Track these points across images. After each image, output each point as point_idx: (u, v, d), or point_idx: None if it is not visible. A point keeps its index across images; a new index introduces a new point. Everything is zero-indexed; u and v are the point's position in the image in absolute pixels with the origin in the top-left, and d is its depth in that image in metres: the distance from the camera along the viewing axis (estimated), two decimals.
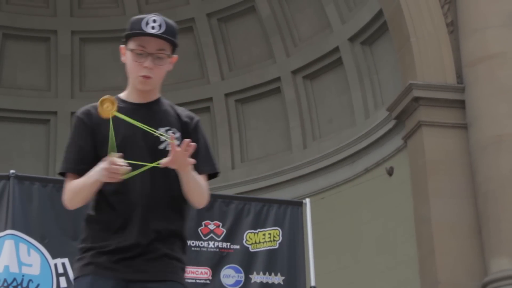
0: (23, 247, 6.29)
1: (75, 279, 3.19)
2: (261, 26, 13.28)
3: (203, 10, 13.61)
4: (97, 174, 3.05)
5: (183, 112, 3.34)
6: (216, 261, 7.03)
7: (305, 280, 7.27)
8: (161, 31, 3.17)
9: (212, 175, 3.31)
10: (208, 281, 6.92)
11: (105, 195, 3.16)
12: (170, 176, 3.14)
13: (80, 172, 3.16)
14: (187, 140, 3.02)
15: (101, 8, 14.00)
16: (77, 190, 3.15)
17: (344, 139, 11.97)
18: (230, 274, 7.03)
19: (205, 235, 7.08)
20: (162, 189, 3.15)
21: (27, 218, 6.43)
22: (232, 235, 7.16)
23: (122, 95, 3.29)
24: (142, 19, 3.18)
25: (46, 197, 6.60)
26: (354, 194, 11.48)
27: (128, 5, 13.91)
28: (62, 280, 6.38)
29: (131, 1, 13.91)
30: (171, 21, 3.25)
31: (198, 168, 3.16)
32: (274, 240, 7.25)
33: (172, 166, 3.04)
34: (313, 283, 7.29)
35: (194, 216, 7.07)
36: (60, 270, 6.41)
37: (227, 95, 13.48)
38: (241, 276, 7.04)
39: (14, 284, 6.12)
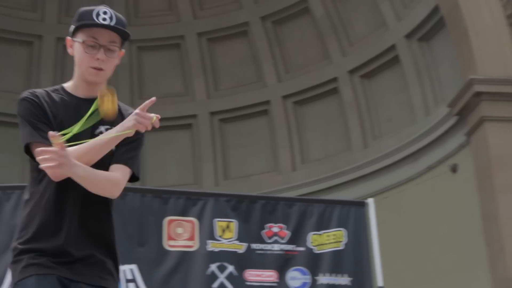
0: None
1: (16, 283, 2.99)
2: (315, 26, 13.24)
3: (257, 14, 13.64)
4: (122, 125, 2.96)
5: (127, 110, 3.26)
6: (282, 263, 7.02)
7: (371, 280, 7.21)
8: (113, 22, 3.07)
9: (133, 178, 3.22)
10: (275, 284, 6.92)
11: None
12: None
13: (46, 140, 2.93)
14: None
15: (157, 16, 14.16)
16: (85, 150, 2.97)
17: (404, 137, 11.84)
18: (296, 276, 7.01)
19: (269, 238, 7.08)
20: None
21: None
22: (296, 237, 7.15)
23: (67, 87, 3.18)
24: (92, 10, 3.08)
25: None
26: (418, 192, 11.34)
27: (183, 12, 14.04)
28: (132, 286, 6.45)
29: (185, 8, 14.04)
30: (120, 15, 3.15)
31: (120, 157, 3.10)
32: (338, 241, 7.21)
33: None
34: (380, 284, 7.22)
35: (257, 220, 7.08)
36: (129, 276, 6.48)
37: (284, 97, 13.47)
38: (308, 278, 7.01)
39: None
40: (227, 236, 6.91)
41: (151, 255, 6.64)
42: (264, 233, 7.09)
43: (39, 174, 3.04)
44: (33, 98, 3.07)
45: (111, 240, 3.15)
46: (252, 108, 13.66)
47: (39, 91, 3.14)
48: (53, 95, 3.13)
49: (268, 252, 7.04)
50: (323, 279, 7.05)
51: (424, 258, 10.92)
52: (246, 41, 13.85)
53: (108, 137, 2.97)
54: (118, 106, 3.16)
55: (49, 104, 3.08)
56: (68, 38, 3.14)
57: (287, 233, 7.13)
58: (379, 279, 7.27)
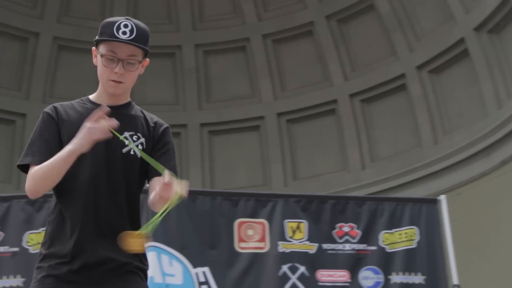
0: (165, 258, 6.46)
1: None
2: (381, 23, 13.11)
3: (321, 13, 13.59)
4: (74, 144, 2.93)
5: (153, 118, 3.29)
6: (354, 263, 6.98)
7: (446, 279, 7.09)
8: (132, 36, 3.08)
9: None
10: (347, 284, 6.88)
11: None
12: (121, 180, 3.11)
13: (40, 162, 3.02)
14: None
15: (222, 20, 14.26)
16: (46, 170, 2.96)
17: (476, 132, 11.60)
18: (369, 276, 6.95)
19: (340, 238, 7.04)
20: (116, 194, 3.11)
21: (166, 230, 6.58)
22: (367, 236, 7.09)
23: (92, 97, 3.25)
24: (113, 23, 3.09)
25: (182, 208, 6.74)
26: (492, 188, 11.09)
27: (248, 15, 14.10)
28: None
29: (250, 11, 14.09)
30: (143, 25, 3.16)
31: (166, 166, 3.09)
32: (411, 240, 7.12)
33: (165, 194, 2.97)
34: (456, 282, 7.10)
35: (328, 220, 7.05)
36: (202, 279, 6.54)
37: (351, 95, 13.38)
38: (381, 277, 6.94)
39: None
40: (298, 236, 6.90)
41: (223, 258, 6.68)
42: (335, 233, 7.05)
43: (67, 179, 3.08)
44: (49, 111, 3.16)
45: None
46: (319, 108, 13.61)
47: (61, 104, 3.21)
48: (77, 105, 3.19)
49: (340, 252, 6.99)
50: (396, 278, 6.97)
51: (500, 254, 10.68)
52: (311, 41, 13.82)
53: (64, 155, 2.94)
54: (144, 115, 3.26)
55: (68, 114, 3.14)
56: (93, 48, 3.19)
57: (358, 233, 7.08)
58: (454, 277, 7.15)
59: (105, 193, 3.07)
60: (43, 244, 3.09)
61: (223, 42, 14.17)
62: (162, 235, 6.53)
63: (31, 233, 6.45)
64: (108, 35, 3.07)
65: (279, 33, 14.00)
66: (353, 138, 13.20)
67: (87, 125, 2.93)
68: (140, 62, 3.15)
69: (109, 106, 3.11)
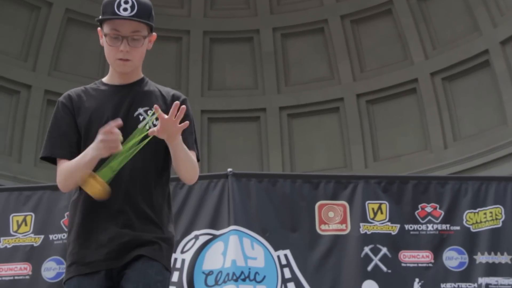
0: (246, 241, 6.51)
1: (64, 282, 3.07)
2: None
3: None
4: (93, 150, 2.91)
5: (169, 92, 3.24)
6: (437, 243, 6.87)
7: None
8: (134, 12, 3.03)
9: None
10: (430, 265, 6.79)
11: None
12: (147, 157, 3.06)
13: (68, 156, 3.05)
14: (176, 103, 2.89)
15: (299, 2, 14.22)
16: (72, 170, 2.98)
17: None
18: (453, 256, 6.84)
19: (423, 218, 6.95)
20: (139, 171, 3.05)
21: (248, 214, 6.64)
22: (450, 216, 6.97)
23: (104, 79, 3.22)
24: (114, 1, 3.04)
25: (263, 192, 6.78)
26: None
27: None
28: (286, 271, 6.54)
29: None
30: (145, 0, 3.11)
31: (185, 143, 3.06)
32: (496, 219, 6.96)
33: (162, 135, 2.92)
34: None
35: (410, 200, 6.97)
36: (283, 262, 6.56)
37: (432, 74, 13.16)
38: (465, 258, 6.82)
39: (242, 277, 6.35)
40: (379, 218, 6.84)
41: (304, 240, 6.69)
42: (417, 213, 6.96)
43: None
44: (63, 100, 3.15)
45: (154, 210, 3.08)
46: (399, 88, 13.44)
47: (74, 91, 3.19)
48: (90, 90, 3.17)
49: (422, 232, 6.90)
50: (481, 258, 6.84)
51: None
52: (390, 20, 13.63)
53: (87, 158, 2.94)
54: (159, 90, 3.21)
55: (83, 100, 3.13)
56: (99, 29, 3.15)
57: (441, 213, 6.97)
58: None
59: (125, 172, 3.03)
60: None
61: (301, 24, 14.13)
62: (243, 219, 6.59)
63: None
64: (109, 13, 3.03)
65: (357, 13, 13.87)
66: (434, 117, 12.98)
67: (99, 138, 2.90)
68: (145, 37, 3.11)
69: (121, 85, 3.13)
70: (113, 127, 2.87)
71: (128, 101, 3.11)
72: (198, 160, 3.20)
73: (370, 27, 13.85)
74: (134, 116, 3.07)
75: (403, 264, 6.76)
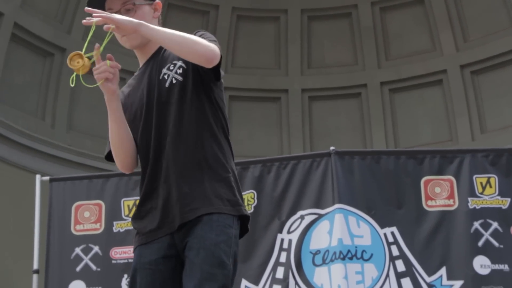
0: (352, 219, 6.50)
1: (133, 250, 3.14)
2: None
3: None
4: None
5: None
6: None
7: None
8: None
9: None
10: None
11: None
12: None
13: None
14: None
15: None
16: (111, 141, 3.14)
17: None
18: None
19: None
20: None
21: (352, 192, 6.62)
22: None
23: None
24: None
25: (366, 169, 6.75)
26: None
27: None
28: (394, 249, 6.49)
29: None
30: None
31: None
32: None
33: (119, 31, 2.93)
34: None
35: None
36: (390, 239, 6.52)
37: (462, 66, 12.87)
38: None
39: (349, 255, 6.35)
40: (488, 192, 6.69)
41: (410, 217, 6.63)
42: None
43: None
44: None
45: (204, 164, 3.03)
46: (507, 56, 13.01)
47: (128, 82, 3.30)
48: (132, 80, 3.26)
49: None
50: None
51: None
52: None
53: (109, 116, 3.08)
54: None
55: (124, 93, 3.23)
56: None
57: None
58: None
59: (158, 136, 3.06)
60: None
61: None
62: (348, 197, 6.59)
63: None
64: None
65: None
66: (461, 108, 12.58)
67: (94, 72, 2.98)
68: (139, 5, 3.11)
69: (146, 61, 3.16)
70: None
71: (152, 71, 3.13)
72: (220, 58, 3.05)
73: None
74: (160, 79, 3.09)
75: None
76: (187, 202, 2.97)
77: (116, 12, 3.04)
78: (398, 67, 13.79)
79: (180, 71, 3.05)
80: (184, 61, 3.05)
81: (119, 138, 3.11)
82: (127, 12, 3.07)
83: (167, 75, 3.08)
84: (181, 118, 3.03)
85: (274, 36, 14.22)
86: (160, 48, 3.17)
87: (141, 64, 3.24)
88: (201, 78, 3.06)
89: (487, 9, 13.24)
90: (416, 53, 13.71)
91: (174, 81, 3.04)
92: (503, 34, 13.03)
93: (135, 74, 3.28)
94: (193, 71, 3.05)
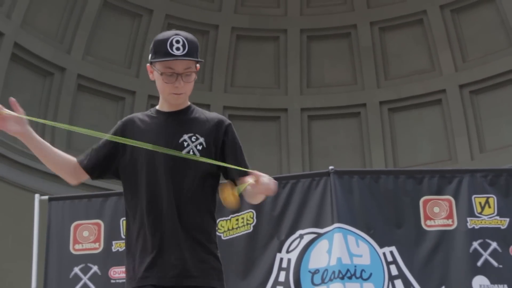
0: (351, 239, 6.50)
1: None
2: None
3: None
4: None
5: (214, 118, 3.39)
6: None
7: None
8: (186, 51, 3.24)
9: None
10: None
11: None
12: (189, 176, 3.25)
13: (85, 166, 3.41)
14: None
15: None
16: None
17: None
18: None
19: None
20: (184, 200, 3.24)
21: (351, 211, 6.62)
22: None
23: (158, 106, 3.44)
24: (166, 41, 3.25)
25: (365, 188, 6.75)
26: None
27: None
28: (393, 268, 6.49)
29: None
30: (191, 37, 3.30)
31: (241, 170, 3.24)
32: None
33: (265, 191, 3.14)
34: None
35: None
36: (389, 259, 6.52)
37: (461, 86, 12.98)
38: None
39: (348, 275, 6.34)
40: (487, 212, 6.70)
41: (410, 236, 6.62)
42: None
43: (131, 185, 3.34)
44: (119, 124, 3.42)
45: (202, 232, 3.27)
46: (505, 76, 13.06)
47: (133, 116, 3.46)
48: (146, 116, 3.41)
49: None
50: None
51: None
52: (493, 6, 13.27)
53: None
54: (205, 116, 3.39)
55: (136, 125, 3.38)
56: (148, 65, 3.37)
57: None
58: None
59: (168, 197, 3.24)
60: None
61: (399, 17, 13.96)
62: (347, 216, 6.59)
63: (221, 220, 6.73)
64: (163, 53, 3.25)
65: (458, 2, 13.57)
66: None
67: None
68: (195, 72, 3.33)
69: (171, 112, 3.36)
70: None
71: (173, 127, 3.34)
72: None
73: (471, 15, 13.53)
74: (179, 142, 3.28)
75: None
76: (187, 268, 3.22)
77: (177, 75, 3.28)
78: (397, 86, 13.84)
79: (199, 147, 3.28)
80: (205, 140, 3.29)
81: (53, 163, 3.42)
82: (187, 76, 3.30)
83: (187, 143, 3.29)
84: (189, 189, 3.25)
85: (273, 56, 14.29)
86: (188, 108, 3.41)
87: (162, 108, 3.42)
88: (218, 166, 3.30)
89: (486, 30, 13.31)
90: (415, 73, 13.77)
91: (191, 153, 3.26)
92: (501, 54, 13.10)
93: (152, 113, 3.44)
94: (209, 154, 3.29)
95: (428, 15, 13.73)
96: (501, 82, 13.13)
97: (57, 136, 12.38)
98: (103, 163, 3.39)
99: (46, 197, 7.38)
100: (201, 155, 3.24)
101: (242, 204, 6.52)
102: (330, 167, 6.80)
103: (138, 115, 3.45)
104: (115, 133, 3.38)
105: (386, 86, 13.95)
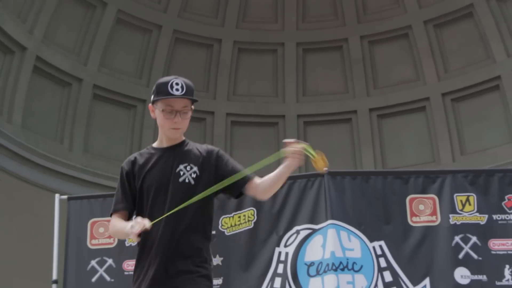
0: (343, 234, 6.51)
1: None
2: None
3: None
4: (127, 231, 3.36)
5: (205, 149, 3.63)
6: None
7: None
8: (184, 91, 3.50)
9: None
10: None
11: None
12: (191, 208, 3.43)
13: (121, 209, 3.57)
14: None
15: (384, 11, 14.07)
16: (115, 232, 3.60)
17: None
18: None
19: (510, 209, 6.77)
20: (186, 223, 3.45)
21: (343, 209, 6.64)
22: None
23: (154, 144, 3.68)
24: (167, 83, 3.51)
25: (357, 188, 6.77)
26: None
27: (409, 4, 13.81)
28: (382, 261, 6.50)
29: (411, 1, 13.80)
30: (188, 81, 3.56)
31: (245, 178, 3.54)
32: None
33: (294, 161, 3.50)
34: None
35: (496, 192, 6.80)
36: (379, 252, 6.53)
37: (443, 94, 12.89)
38: None
39: (341, 267, 6.35)
40: (468, 209, 6.71)
41: (397, 232, 6.63)
42: (504, 204, 6.78)
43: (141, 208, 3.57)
44: (124, 166, 3.63)
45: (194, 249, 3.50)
46: (483, 85, 13.08)
47: (133, 156, 3.66)
48: (144, 154, 3.64)
49: (510, 222, 6.73)
50: None
51: None
52: (471, 22, 13.29)
53: (124, 232, 3.43)
54: (197, 148, 3.63)
55: (139, 164, 3.60)
56: (150, 105, 3.61)
57: None
58: None
59: (168, 221, 3.42)
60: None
61: (387, 31, 13.98)
62: (340, 213, 6.60)
63: (225, 217, 6.74)
64: (165, 93, 3.52)
65: (440, 18, 13.60)
66: None
67: (131, 225, 3.34)
68: (191, 110, 3.59)
69: (168, 147, 3.60)
70: (143, 224, 3.31)
71: (172, 159, 3.56)
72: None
73: (452, 29, 13.55)
74: (176, 172, 3.52)
75: (493, 252, 6.61)
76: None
77: (176, 112, 3.53)
78: (385, 95, 13.86)
79: (193, 175, 3.52)
80: (199, 169, 3.54)
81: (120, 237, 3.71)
82: (184, 113, 3.56)
83: (183, 172, 3.52)
84: (188, 215, 3.46)
85: (272, 67, 14.31)
86: (183, 142, 3.64)
87: (160, 145, 3.65)
88: (216, 192, 3.53)
89: (466, 43, 13.34)
90: (401, 82, 13.80)
91: (187, 181, 3.50)
92: (480, 65, 13.13)
93: (151, 150, 3.65)
94: (202, 181, 3.52)
95: (413, 29, 13.76)
96: (480, 90, 13.16)
97: (76, 139, 12.41)
98: (130, 199, 3.59)
99: (65, 196, 7.40)
100: (195, 182, 3.49)
101: (244, 203, 6.59)
102: (324, 169, 6.80)
103: (136, 155, 3.66)
104: (127, 172, 3.58)
105: (375, 95, 13.97)
